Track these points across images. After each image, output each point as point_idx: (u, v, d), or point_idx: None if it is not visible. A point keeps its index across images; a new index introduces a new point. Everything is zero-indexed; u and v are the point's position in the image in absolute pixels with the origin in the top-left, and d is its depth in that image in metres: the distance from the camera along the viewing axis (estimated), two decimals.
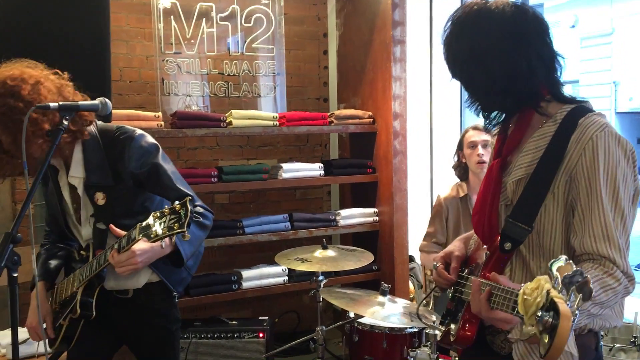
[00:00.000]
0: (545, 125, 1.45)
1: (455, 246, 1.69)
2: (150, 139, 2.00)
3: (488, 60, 1.42)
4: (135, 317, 2.07)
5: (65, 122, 1.74)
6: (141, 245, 1.78)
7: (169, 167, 2.00)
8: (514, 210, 1.44)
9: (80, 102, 1.79)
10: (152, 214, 1.73)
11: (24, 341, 2.73)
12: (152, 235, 1.70)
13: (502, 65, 1.41)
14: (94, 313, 1.97)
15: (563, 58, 1.47)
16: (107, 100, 1.86)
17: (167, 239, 1.78)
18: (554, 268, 1.08)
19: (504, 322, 1.27)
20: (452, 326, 1.56)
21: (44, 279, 2.12)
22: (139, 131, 1.99)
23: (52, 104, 1.73)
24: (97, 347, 2.11)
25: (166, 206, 1.72)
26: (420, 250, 3.38)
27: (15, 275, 1.58)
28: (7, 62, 1.87)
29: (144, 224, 1.73)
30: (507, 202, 1.50)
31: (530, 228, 1.41)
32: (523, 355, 1.39)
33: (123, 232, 1.84)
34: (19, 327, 1.66)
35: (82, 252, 2.06)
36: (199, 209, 1.98)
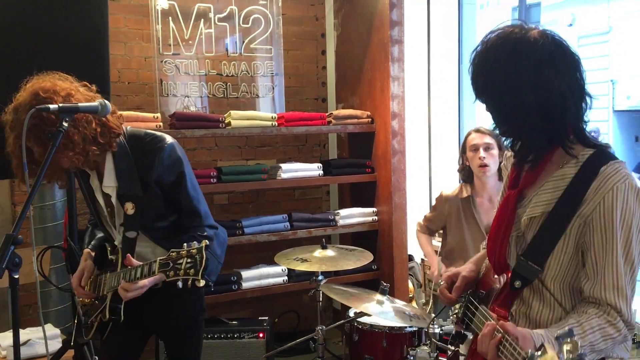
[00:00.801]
0: (566, 166, 1.46)
1: (465, 267, 1.72)
2: (179, 149, 2.05)
3: (522, 89, 1.41)
4: (164, 307, 2.12)
5: (65, 124, 1.74)
6: (147, 280, 1.87)
7: (192, 180, 2.07)
8: (527, 250, 1.48)
9: (80, 104, 1.79)
10: (170, 251, 1.78)
11: (25, 342, 2.74)
12: (169, 275, 1.76)
13: (536, 97, 1.40)
14: (122, 318, 2.02)
15: (591, 97, 1.47)
16: (106, 101, 1.86)
17: (149, 281, 1.87)
18: (565, 349, 1.11)
19: None
20: (461, 347, 1.63)
21: (91, 249, 2.20)
22: (169, 139, 2.03)
23: (51, 106, 1.73)
24: (127, 342, 2.17)
25: (185, 246, 1.77)
26: (416, 227, 3.44)
27: (16, 276, 1.58)
28: (39, 74, 1.91)
29: (163, 260, 1.79)
30: (519, 234, 1.53)
31: (540, 268, 1.46)
32: None
33: (137, 262, 1.92)
34: (20, 329, 1.66)
35: (111, 257, 2.12)
36: (204, 230, 2.04)
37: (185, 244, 1.78)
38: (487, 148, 3.03)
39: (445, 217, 3.23)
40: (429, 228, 3.35)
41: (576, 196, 1.41)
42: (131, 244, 2.04)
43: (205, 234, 2.03)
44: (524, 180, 1.53)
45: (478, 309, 1.57)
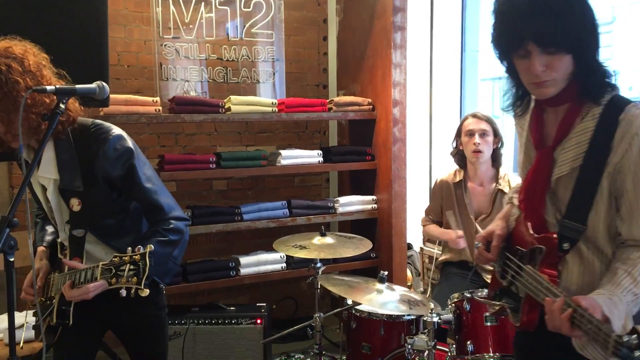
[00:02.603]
0: (586, 119, 1.51)
1: (497, 225, 1.76)
2: (126, 141, 1.88)
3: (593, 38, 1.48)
4: (123, 308, 1.96)
5: (62, 106, 1.71)
6: (97, 282, 1.73)
7: (146, 172, 1.90)
8: (568, 210, 1.53)
9: (77, 86, 1.76)
10: (113, 256, 1.68)
11: (21, 326, 2.73)
12: (111, 282, 1.66)
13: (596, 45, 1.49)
14: (71, 322, 1.89)
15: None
16: (104, 84, 1.82)
17: (95, 286, 1.74)
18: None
19: (580, 337, 1.38)
20: (506, 302, 1.68)
21: (43, 245, 2.08)
22: (116, 131, 1.88)
23: (48, 87, 1.71)
24: (82, 338, 2.05)
25: (129, 250, 1.66)
26: (421, 224, 3.41)
27: (12, 259, 1.57)
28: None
29: (106, 266, 1.67)
30: (551, 192, 1.58)
31: (585, 226, 1.51)
32: (583, 345, 1.49)
33: (80, 265, 1.81)
34: (16, 312, 1.65)
35: (60, 255, 1.99)
36: (170, 224, 1.90)
37: (129, 248, 1.67)
38: (483, 134, 3.02)
39: (441, 203, 3.24)
40: (432, 220, 3.34)
41: (603, 147, 1.47)
42: (79, 242, 1.90)
43: (171, 226, 1.88)
44: (556, 139, 1.56)
45: (523, 269, 1.59)
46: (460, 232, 3.06)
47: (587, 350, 1.48)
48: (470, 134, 3.03)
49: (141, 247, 1.66)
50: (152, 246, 1.68)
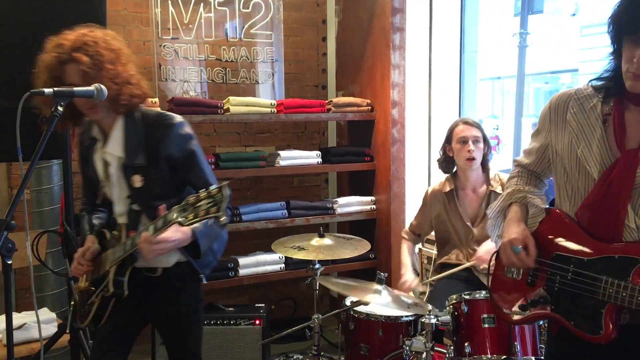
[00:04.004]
0: None
1: (523, 231, 1.67)
2: (189, 127, 2.07)
3: None
4: (162, 296, 2.11)
5: (60, 108, 1.72)
6: (170, 233, 1.84)
7: (202, 157, 2.08)
8: None
9: (75, 89, 1.77)
10: (187, 197, 1.75)
11: (19, 327, 2.74)
12: (189, 218, 1.72)
13: None
14: (126, 292, 2.01)
15: None
16: (102, 86, 1.84)
17: (188, 230, 1.86)
18: None
19: None
20: (538, 309, 1.61)
21: (92, 233, 2.17)
22: (179, 118, 2.05)
23: (46, 90, 1.72)
24: (122, 327, 2.15)
25: (201, 190, 1.73)
26: (403, 234, 3.37)
27: (9, 262, 1.57)
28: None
29: (179, 207, 1.74)
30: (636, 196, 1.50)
31: None
32: None
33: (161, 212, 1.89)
34: (16, 313, 1.66)
35: (113, 232, 2.09)
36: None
37: (201, 190, 1.74)
38: (476, 141, 3.00)
39: (432, 216, 3.20)
40: (414, 233, 3.26)
41: None
42: (137, 216, 2.03)
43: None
44: None
45: (608, 281, 1.49)
46: (409, 283, 3.04)
47: None
48: (463, 141, 3.00)
49: (214, 186, 1.73)
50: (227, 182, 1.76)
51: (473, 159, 2.97)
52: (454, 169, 3.14)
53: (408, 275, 3.10)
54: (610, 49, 1.51)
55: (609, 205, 1.51)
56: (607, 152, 1.54)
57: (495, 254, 1.82)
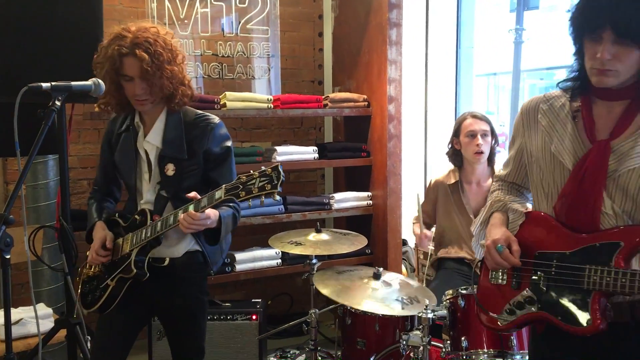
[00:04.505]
0: None
1: (505, 232, 1.71)
2: (226, 129, 2.22)
3: None
4: (168, 286, 2.15)
5: (58, 103, 1.72)
6: (210, 211, 1.95)
7: (234, 159, 2.23)
8: None
9: (73, 83, 1.77)
10: (238, 176, 1.84)
11: (17, 322, 2.74)
12: (241, 195, 1.80)
13: None
14: (148, 273, 2.07)
15: None
16: (100, 81, 1.84)
17: (217, 214, 1.97)
18: None
19: None
20: (525, 312, 1.64)
21: (102, 219, 2.23)
22: (218, 119, 2.20)
23: (44, 84, 1.71)
24: (129, 317, 2.18)
25: (252, 171, 1.81)
26: (413, 220, 3.38)
27: (7, 257, 1.57)
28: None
29: (230, 185, 1.84)
30: (616, 187, 1.54)
31: None
32: None
33: (199, 196, 1.96)
34: (12, 308, 1.65)
35: (136, 216, 2.14)
36: (239, 204, 2.11)
37: (252, 170, 1.83)
38: (484, 135, 3.02)
39: (435, 204, 3.23)
40: (424, 221, 3.30)
41: None
42: (163, 202, 2.11)
43: (241, 206, 2.11)
44: (616, 132, 1.55)
45: (591, 269, 1.52)
46: (428, 233, 3.06)
47: None
48: (472, 134, 3.02)
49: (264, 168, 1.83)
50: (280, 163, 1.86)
51: (481, 152, 3.00)
52: (463, 163, 3.16)
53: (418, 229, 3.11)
54: (574, 49, 1.58)
55: (585, 193, 1.56)
56: (580, 144, 1.60)
57: (480, 263, 1.84)
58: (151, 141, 2.14)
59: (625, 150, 1.53)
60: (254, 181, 1.78)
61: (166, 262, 2.12)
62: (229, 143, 2.20)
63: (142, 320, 2.29)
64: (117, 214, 2.24)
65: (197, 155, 2.12)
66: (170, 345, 2.26)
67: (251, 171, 1.81)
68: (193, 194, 1.96)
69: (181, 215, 1.93)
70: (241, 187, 1.80)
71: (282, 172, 1.77)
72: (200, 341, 2.26)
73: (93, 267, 2.24)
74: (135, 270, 2.05)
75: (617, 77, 1.48)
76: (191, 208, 1.93)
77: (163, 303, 2.20)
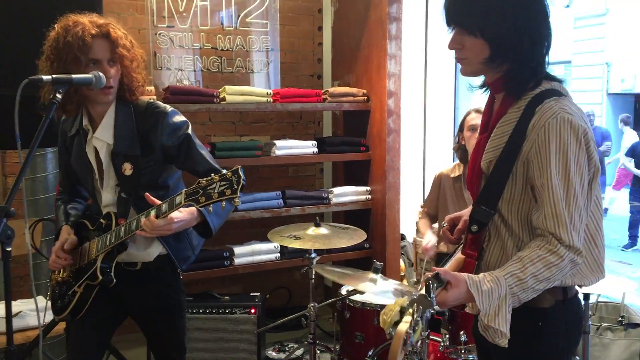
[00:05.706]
0: (511, 110, 1.53)
1: (467, 211, 1.76)
2: (181, 115, 2.07)
3: (519, 19, 1.47)
4: (142, 289, 2.10)
5: (59, 96, 1.71)
6: (178, 213, 1.84)
7: (198, 142, 2.07)
8: (480, 195, 1.58)
9: (73, 76, 1.76)
10: (198, 181, 1.75)
11: (17, 314, 2.74)
12: (200, 201, 1.72)
13: (530, 30, 1.48)
14: (115, 280, 1.99)
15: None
16: (100, 73, 1.84)
17: (194, 210, 1.87)
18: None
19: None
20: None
21: (68, 223, 2.15)
22: (170, 107, 2.06)
23: (45, 77, 1.71)
24: (101, 319, 2.12)
25: (212, 174, 1.74)
26: (418, 215, 3.41)
27: (9, 249, 1.57)
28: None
29: (190, 190, 1.75)
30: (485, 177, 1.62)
31: (493, 211, 1.55)
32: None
33: (158, 201, 1.87)
34: (12, 301, 1.66)
35: (101, 220, 2.05)
36: None
37: (212, 174, 1.75)
38: None
39: (439, 197, 3.25)
40: (428, 214, 3.33)
41: (518, 138, 1.48)
42: (126, 204, 2.00)
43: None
44: (492, 124, 1.60)
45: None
46: (432, 242, 3.07)
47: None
48: (474, 129, 3.03)
49: (225, 170, 1.75)
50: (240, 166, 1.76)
51: None
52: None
53: (428, 237, 3.12)
54: None
55: (472, 185, 1.64)
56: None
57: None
58: (100, 137, 1.99)
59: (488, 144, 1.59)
60: (214, 186, 1.70)
61: (138, 267, 2.07)
62: (185, 130, 2.04)
63: (116, 319, 2.19)
64: (85, 216, 2.16)
65: (154, 150, 1.99)
66: (149, 344, 2.22)
67: (212, 175, 1.73)
68: (147, 195, 1.88)
69: (143, 220, 1.85)
70: (201, 192, 1.72)
71: (242, 176, 1.69)
72: (180, 339, 2.20)
73: (61, 272, 2.16)
74: (100, 277, 1.97)
75: (470, 65, 1.54)
76: (153, 213, 1.84)
77: (136, 305, 2.15)
